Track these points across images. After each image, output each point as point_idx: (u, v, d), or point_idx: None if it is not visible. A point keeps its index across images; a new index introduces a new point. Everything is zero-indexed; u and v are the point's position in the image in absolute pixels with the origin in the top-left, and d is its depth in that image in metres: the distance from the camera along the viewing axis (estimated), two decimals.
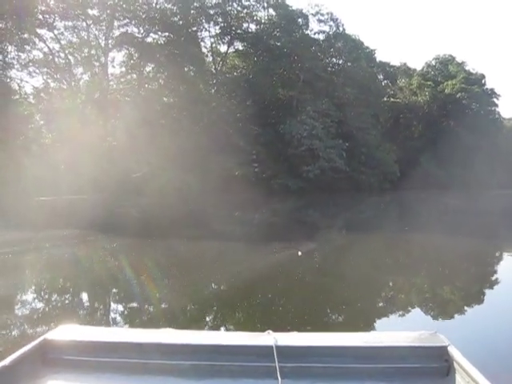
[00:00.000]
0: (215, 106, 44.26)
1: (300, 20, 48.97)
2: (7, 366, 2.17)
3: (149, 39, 44.53)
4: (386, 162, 51.41)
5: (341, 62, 52.59)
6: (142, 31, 43.79)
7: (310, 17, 49.98)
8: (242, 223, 22.68)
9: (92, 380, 2.36)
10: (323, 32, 51.20)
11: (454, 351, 2.38)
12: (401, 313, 8.60)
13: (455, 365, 2.32)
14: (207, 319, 8.13)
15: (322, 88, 49.41)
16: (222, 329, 7.47)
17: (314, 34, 51.03)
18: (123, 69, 45.36)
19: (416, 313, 8.59)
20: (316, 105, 46.08)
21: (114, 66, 44.54)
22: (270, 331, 2.56)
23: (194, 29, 45.97)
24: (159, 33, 44.46)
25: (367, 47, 55.09)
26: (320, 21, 50.48)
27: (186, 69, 45.07)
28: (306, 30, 49.84)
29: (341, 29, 50.83)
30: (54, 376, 2.37)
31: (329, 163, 44.57)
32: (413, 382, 2.36)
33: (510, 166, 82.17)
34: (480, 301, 9.28)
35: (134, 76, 45.70)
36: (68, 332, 2.66)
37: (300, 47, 47.58)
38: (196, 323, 7.43)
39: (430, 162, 61.70)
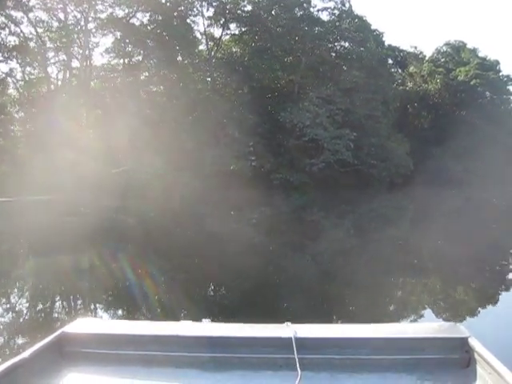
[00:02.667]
0: (209, 94, 40.52)
1: None
2: (26, 359, 2.20)
3: (136, 23, 41.10)
4: (398, 155, 46.67)
5: (347, 43, 47.64)
6: (127, 12, 39.91)
7: None
8: (233, 233, 17.47)
9: (110, 373, 2.37)
10: (327, 9, 46.13)
11: (474, 342, 2.36)
12: None
13: (476, 356, 2.30)
14: None
15: (326, 72, 45.10)
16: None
17: (318, 11, 46.01)
18: (108, 55, 41.52)
19: None
20: (320, 90, 41.54)
21: (93, 50, 40.01)
22: (289, 323, 2.55)
23: (182, 8, 41.91)
24: (147, 15, 40.72)
25: (375, 29, 50.24)
26: None
27: (177, 55, 41.69)
28: (309, 7, 44.88)
29: (347, 5, 45.95)
30: (72, 369, 2.40)
31: (334, 155, 40.15)
32: (433, 374, 2.34)
33: None
34: None
35: (120, 62, 41.97)
36: (86, 325, 2.71)
37: (301, 27, 43.20)
38: None
39: (444, 155, 58.05)
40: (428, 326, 2.77)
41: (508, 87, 67.85)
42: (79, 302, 9.22)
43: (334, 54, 47.49)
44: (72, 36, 38.17)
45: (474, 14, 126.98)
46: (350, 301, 8.43)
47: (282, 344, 2.37)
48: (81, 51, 39.23)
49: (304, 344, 2.36)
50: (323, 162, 39.94)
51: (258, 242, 15.65)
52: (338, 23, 46.40)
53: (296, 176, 39.73)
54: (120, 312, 8.18)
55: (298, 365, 2.21)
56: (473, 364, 2.30)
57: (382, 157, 45.30)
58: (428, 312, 7.95)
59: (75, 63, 39.87)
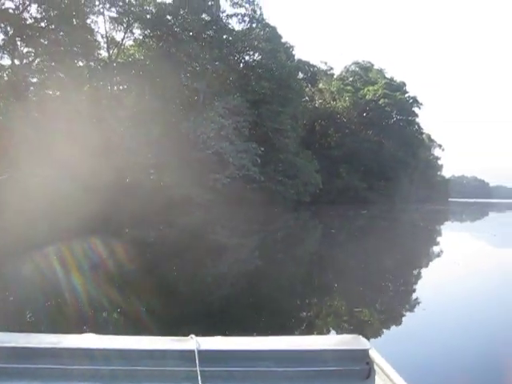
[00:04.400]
0: (107, 101, 37.54)
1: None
2: None
3: (30, 19, 36.77)
4: (307, 172, 45.25)
5: (257, 52, 45.74)
6: (18, 4, 35.95)
7: None
8: (127, 252, 14.95)
9: None
10: (237, 15, 44.04)
11: (374, 354, 2.41)
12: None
13: (376, 367, 2.36)
14: None
15: (234, 81, 43.14)
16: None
17: (227, 16, 43.76)
18: None
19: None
20: (226, 100, 39.14)
21: None
22: (193, 336, 2.51)
23: (81, 6, 38.34)
24: (40, 10, 36.79)
25: (286, 42, 48.82)
26: (234, 3, 43.21)
27: (74, 57, 38.00)
28: (217, 12, 42.37)
29: (258, 12, 43.93)
30: None
31: (240, 171, 37.91)
32: None
33: (427, 179, 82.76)
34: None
35: (9, 62, 37.92)
36: None
37: (209, 33, 40.97)
38: None
39: (351, 174, 57.90)
40: (331, 338, 3.03)
41: (413, 109, 69.23)
42: None
43: (242, 64, 45.71)
44: None
45: (380, 36, 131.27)
46: (255, 316, 8.44)
47: (185, 357, 2.33)
48: None
49: (207, 357, 2.33)
50: (228, 178, 37.60)
51: (156, 260, 14.54)
52: (248, 31, 44.62)
53: (198, 192, 36.85)
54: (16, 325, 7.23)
55: (199, 377, 2.19)
56: (372, 375, 2.35)
57: (291, 174, 43.79)
58: (332, 325, 8.09)
59: None
